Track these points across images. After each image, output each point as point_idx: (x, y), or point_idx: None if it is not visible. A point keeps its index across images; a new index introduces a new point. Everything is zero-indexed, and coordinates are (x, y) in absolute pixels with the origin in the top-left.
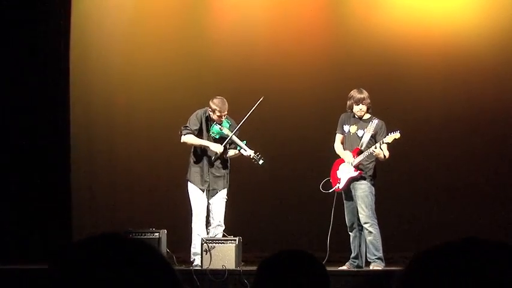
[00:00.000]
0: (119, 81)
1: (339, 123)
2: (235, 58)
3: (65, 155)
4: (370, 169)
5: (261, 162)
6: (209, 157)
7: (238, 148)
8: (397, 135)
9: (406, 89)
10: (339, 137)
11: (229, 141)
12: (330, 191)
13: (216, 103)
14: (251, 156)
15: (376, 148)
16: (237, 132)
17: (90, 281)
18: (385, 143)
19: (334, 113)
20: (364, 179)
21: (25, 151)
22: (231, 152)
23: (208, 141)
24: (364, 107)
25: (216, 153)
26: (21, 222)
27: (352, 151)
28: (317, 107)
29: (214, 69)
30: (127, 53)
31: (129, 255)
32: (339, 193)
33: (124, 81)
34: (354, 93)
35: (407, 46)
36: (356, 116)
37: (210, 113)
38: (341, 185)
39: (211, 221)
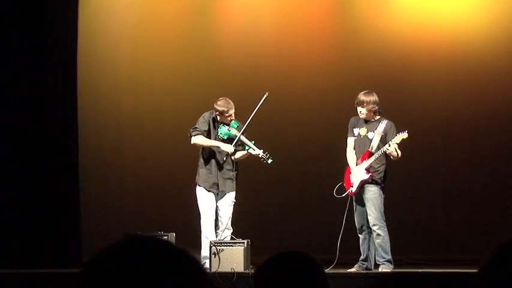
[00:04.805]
0: (126, 83)
1: (349, 127)
2: (243, 60)
3: (74, 158)
4: (380, 172)
5: (269, 161)
6: (217, 159)
7: (246, 148)
8: (405, 135)
9: (414, 91)
10: (350, 141)
11: (238, 142)
12: (344, 195)
13: (221, 104)
14: (260, 156)
15: (389, 146)
16: (245, 132)
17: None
18: (395, 143)
19: (342, 114)
20: (375, 181)
21: (33, 154)
22: (239, 154)
23: (218, 142)
24: (363, 110)
25: (227, 153)
26: (29, 226)
27: (363, 154)
28: (325, 108)
29: (222, 71)
30: (134, 55)
31: (165, 259)
32: (351, 196)
33: (132, 84)
34: (360, 94)
35: (415, 47)
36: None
37: (218, 115)
38: (354, 189)
39: (219, 224)
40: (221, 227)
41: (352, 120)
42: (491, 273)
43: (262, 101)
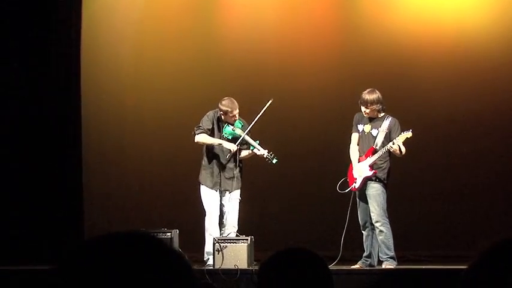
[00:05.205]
0: (129, 80)
1: (353, 123)
2: (245, 57)
3: (77, 155)
4: (383, 169)
5: (274, 161)
6: (220, 160)
7: (251, 148)
8: (409, 134)
9: (417, 87)
10: (354, 137)
11: (242, 142)
12: (347, 190)
13: (225, 104)
14: (264, 156)
15: (393, 144)
16: (249, 132)
17: (109, 279)
18: (399, 142)
19: (345, 112)
20: (378, 178)
21: (37, 151)
22: (244, 153)
23: (221, 140)
24: (367, 110)
25: (230, 150)
26: (33, 223)
27: (367, 150)
28: (327, 105)
29: (225, 68)
30: (137, 52)
31: (150, 254)
32: (354, 192)
33: (134, 81)
34: (363, 93)
35: (419, 44)
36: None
37: (222, 115)
38: (357, 185)
39: (225, 222)
40: (226, 225)
41: (357, 116)
42: (478, 272)
43: (266, 107)
